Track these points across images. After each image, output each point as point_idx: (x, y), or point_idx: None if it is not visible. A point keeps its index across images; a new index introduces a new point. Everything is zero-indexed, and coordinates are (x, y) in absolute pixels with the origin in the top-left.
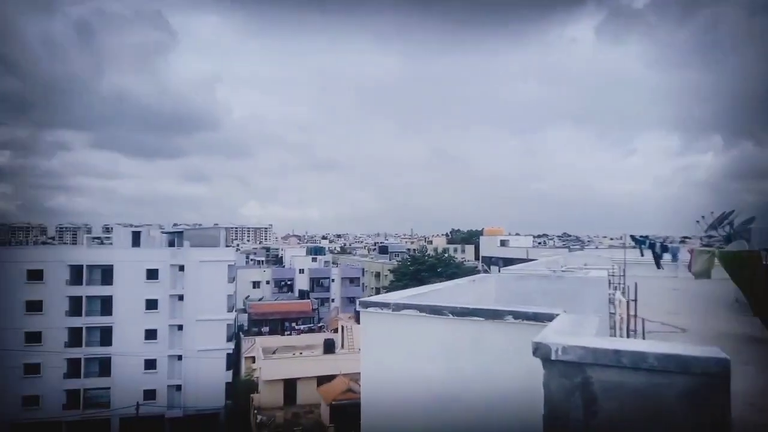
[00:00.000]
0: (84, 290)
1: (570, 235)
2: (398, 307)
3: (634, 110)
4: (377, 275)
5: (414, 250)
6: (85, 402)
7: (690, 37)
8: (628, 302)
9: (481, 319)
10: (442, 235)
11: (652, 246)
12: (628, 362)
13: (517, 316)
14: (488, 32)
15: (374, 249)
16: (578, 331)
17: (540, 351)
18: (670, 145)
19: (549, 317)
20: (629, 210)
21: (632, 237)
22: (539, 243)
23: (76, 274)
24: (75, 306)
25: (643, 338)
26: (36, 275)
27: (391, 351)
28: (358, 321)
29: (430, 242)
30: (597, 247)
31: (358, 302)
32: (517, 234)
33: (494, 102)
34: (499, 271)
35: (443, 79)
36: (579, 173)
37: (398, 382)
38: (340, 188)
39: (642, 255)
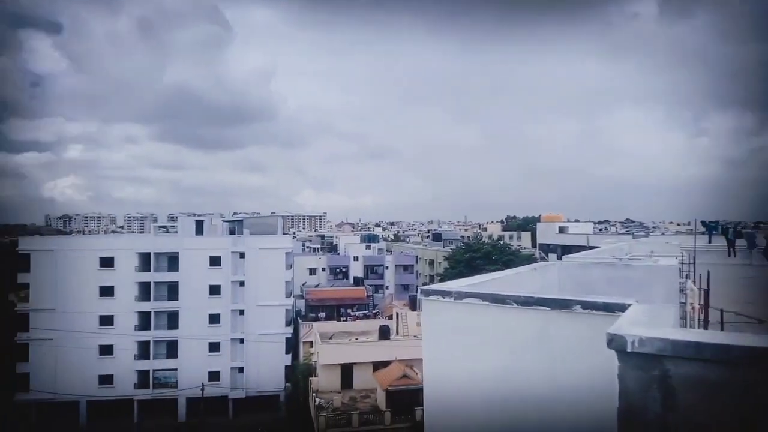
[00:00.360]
0: (152, 276)
1: (633, 221)
2: (460, 295)
3: (703, 88)
4: (431, 262)
5: (468, 237)
6: (154, 382)
7: (765, 5)
8: (700, 291)
9: (547, 308)
10: (497, 222)
11: (724, 231)
12: (711, 355)
13: (586, 305)
14: (545, 13)
15: (428, 236)
16: (655, 322)
17: (615, 342)
18: (743, 124)
19: (621, 307)
20: (698, 194)
21: (703, 222)
22: (600, 230)
23: (145, 261)
24: (144, 291)
25: (721, 329)
26: (108, 262)
27: (453, 340)
28: (412, 308)
29: (485, 229)
30: (663, 234)
31: (419, 290)
32: (577, 220)
33: (553, 85)
34: (558, 258)
35: (499, 64)
36: (644, 156)
37: (460, 371)
38: (394, 176)
39: (710, 242)
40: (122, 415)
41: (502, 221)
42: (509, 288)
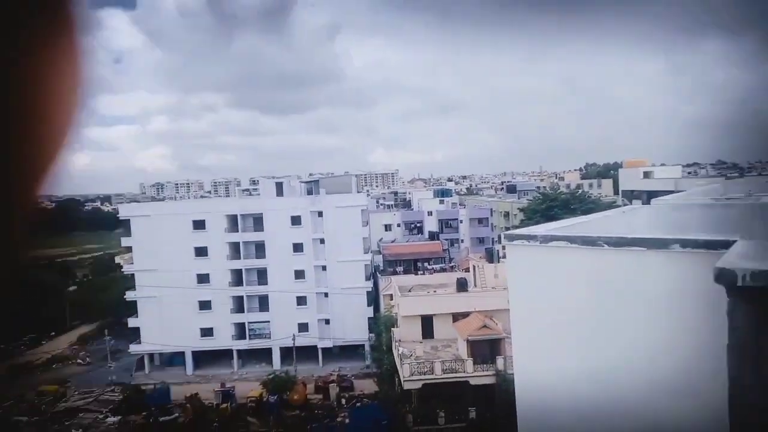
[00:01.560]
0: (240, 236)
1: (726, 163)
2: (546, 239)
3: None
4: (506, 215)
5: (544, 187)
6: (249, 333)
7: None
8: None
9: (642, 249)
10: (575, 170)
11: None
12: None
13: (686, 244)
14: None
15: (501, 188)
16: (765, 255)
17: (724, 277)
18: None
19: (724, 244)
20: None
21: None
22: (689, 173)
23: (233, 223)
24: (234, 250)
25: None
26: (200, 225)
27: (540, 284)
28: (488, 260)
29: (562, 178)
30: (760, 174)
31: (502, 235)
32: (663, 164)
33: (632, 20)
34: (643, 204)
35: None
36: (736, 90)
37: (548, 315)
38: (465, 129)
39: None
40: (223, 363)
41: (580, 169)
42: (598, 231)
